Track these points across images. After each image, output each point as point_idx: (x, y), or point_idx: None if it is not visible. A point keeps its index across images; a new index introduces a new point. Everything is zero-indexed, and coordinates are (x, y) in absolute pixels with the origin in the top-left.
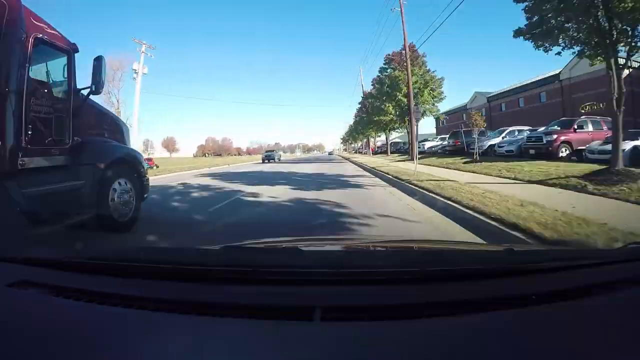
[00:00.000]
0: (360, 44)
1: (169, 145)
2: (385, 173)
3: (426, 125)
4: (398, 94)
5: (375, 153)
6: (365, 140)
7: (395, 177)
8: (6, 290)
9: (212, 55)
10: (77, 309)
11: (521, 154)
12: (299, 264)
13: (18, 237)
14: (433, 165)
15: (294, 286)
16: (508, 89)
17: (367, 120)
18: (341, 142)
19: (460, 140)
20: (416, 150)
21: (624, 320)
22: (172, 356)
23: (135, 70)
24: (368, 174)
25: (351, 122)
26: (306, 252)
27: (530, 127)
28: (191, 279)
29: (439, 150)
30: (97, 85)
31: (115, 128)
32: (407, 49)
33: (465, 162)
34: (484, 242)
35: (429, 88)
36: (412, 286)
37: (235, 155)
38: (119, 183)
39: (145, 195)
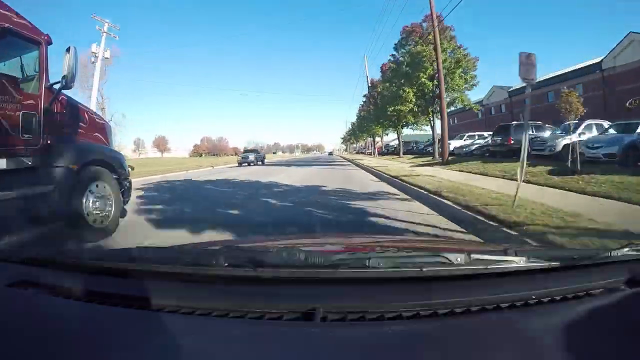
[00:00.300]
0: (360, 42)
1: (160, 144)
2: (441, 197)
3: (427, 125)
4: (422, 75)
5: (381, 154)
6: (369, 139)
7: (479, 212)
8: (6, 290)
9: (211, 54)
10: (77, 309)
11: (627, 158)
12: (299, 264)
13: (18, 237)
14: (493, 176)
15: (294, 286)
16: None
17: (375, 115)
18: (342, 142)
19: (515, 137)
20: (524, 155)
21: (624, 320)
22: (172, 356)
23: (95, 53)
24: (395, 189)
25: (353, 120)
26: (306, 252)
27: (610, 122)
28: (191, 279)
29: (474, 152)
30: (68, 79)
31: (94, 126)
32: (434, 12)
33: (552, 172)
34: (484, 242)
35: (460, 69)
36: (412, 286)
37: (231, 155)
38: (96, 187)
39: (126, 200)
